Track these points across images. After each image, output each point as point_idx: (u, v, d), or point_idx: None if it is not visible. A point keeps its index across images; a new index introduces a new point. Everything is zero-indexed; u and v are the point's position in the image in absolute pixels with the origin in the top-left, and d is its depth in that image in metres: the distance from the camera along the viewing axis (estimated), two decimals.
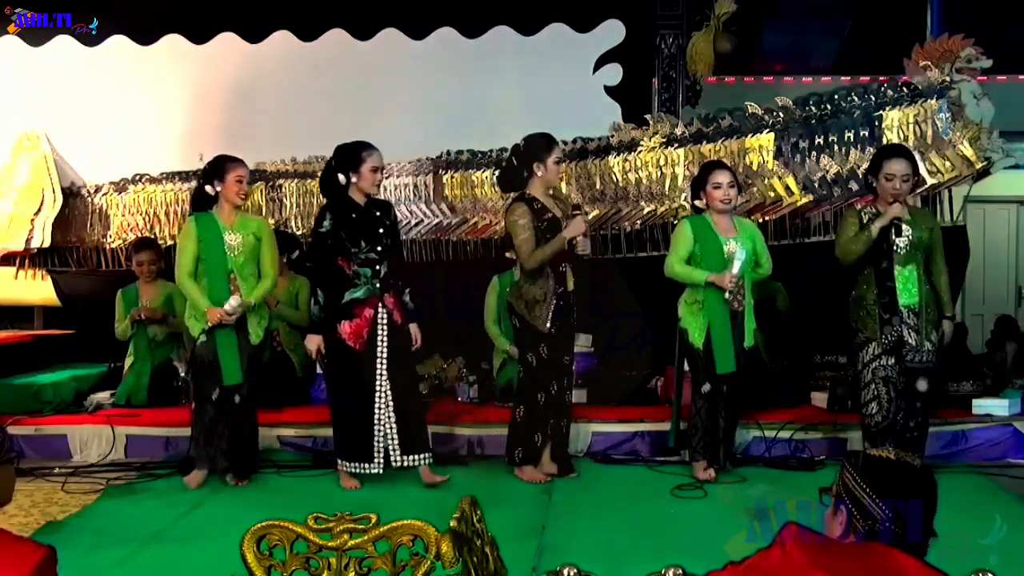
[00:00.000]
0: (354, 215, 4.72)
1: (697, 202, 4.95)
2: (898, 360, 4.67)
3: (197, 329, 4.81)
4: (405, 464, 4.74)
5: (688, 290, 4.89)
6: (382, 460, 4.71)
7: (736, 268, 4.70)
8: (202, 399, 4.84)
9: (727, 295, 4.74)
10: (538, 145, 4.89)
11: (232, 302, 4.73)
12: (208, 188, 4.89)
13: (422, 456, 4.79)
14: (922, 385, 4.69)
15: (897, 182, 4.61)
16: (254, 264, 4.93)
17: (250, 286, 4.87)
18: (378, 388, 4.70)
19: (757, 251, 4.93)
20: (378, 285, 4.72)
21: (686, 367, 5.04)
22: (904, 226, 4.63)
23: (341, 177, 4.75)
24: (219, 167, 4.91)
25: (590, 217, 6.53)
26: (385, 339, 4.73)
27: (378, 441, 4.70)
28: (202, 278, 4.82)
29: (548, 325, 4.79)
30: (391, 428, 4.71)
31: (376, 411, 4.69)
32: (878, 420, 4.69)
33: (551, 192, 5.07)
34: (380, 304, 4.72)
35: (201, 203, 4.95)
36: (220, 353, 4.78)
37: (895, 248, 4.65)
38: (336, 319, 4.68)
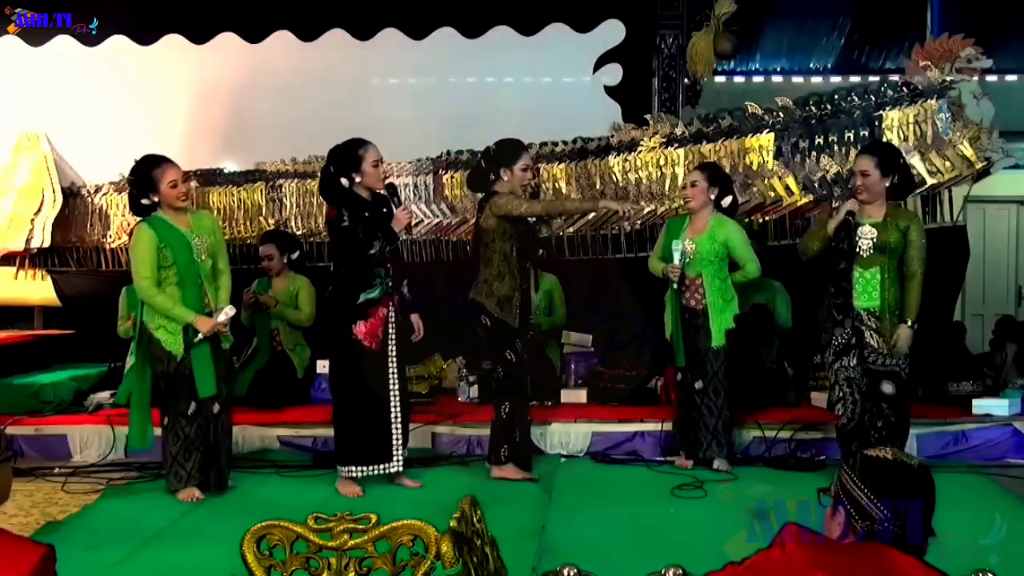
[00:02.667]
0: (366, 213, 4.63)
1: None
2: (860, 361, 4.62)
3: (176, 345, 4.47)
4: (401, 460, 4.75)
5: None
6: (400, 457, 4.72)
7: (676, 260, 4.94)
8: (177, 416, 4.52)
9: (678, 288, 5.00)
10: (506, 151, 4.93)
11: (229, 311, 4.53)
12: (144, 201, 4.51)
13: (405, 452, 4.80)
14: (887, 388, 4.57)
15: (857, 178, 4.59)
16: (211, 265, 4.62)
17: (212, 288, 4.59)
18: (392, 387, 4.70)
19: (736, 255, 5.04)
20: (390, 284, 4.69)
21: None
22: (868, 227, 4.56)
23: (344, 181, 4.62)
24: (147, 176, 4.51)
25: (590, 217, 6.55)
26: (394, 337, 4.72)
27: (396, 439, 4.69)
28: (168, 287, 4.48)
29: (517, 322, 4.86)
30: (399, 425, 4.73)
31: (392, 409, 4.69)
32: (843, 422, 4.68)
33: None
34: (391, 303, 4.71)
35: (138, 210, 4.58)
36: (196, 365, 4.48)
37: (856, 250, 4.58)
38: (350, 320, 4.60)
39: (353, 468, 4.65)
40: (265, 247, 6.36)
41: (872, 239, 4.56)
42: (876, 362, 4.58)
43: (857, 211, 4.57)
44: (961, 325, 6.99)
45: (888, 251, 4.55)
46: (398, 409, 4.71)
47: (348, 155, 4.66)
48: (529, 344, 5.01)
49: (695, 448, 5.05)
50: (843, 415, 4.68)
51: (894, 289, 4.56)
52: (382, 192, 4.73)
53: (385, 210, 4.71)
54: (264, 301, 6.14)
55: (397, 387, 4.71)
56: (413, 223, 6.40)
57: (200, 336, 4.48)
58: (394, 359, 4.71)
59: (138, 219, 4.63)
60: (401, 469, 4.74)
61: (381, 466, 4.68)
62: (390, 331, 4.70)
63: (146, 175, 4.53)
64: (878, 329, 4.56)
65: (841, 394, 4.68)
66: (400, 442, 4.71)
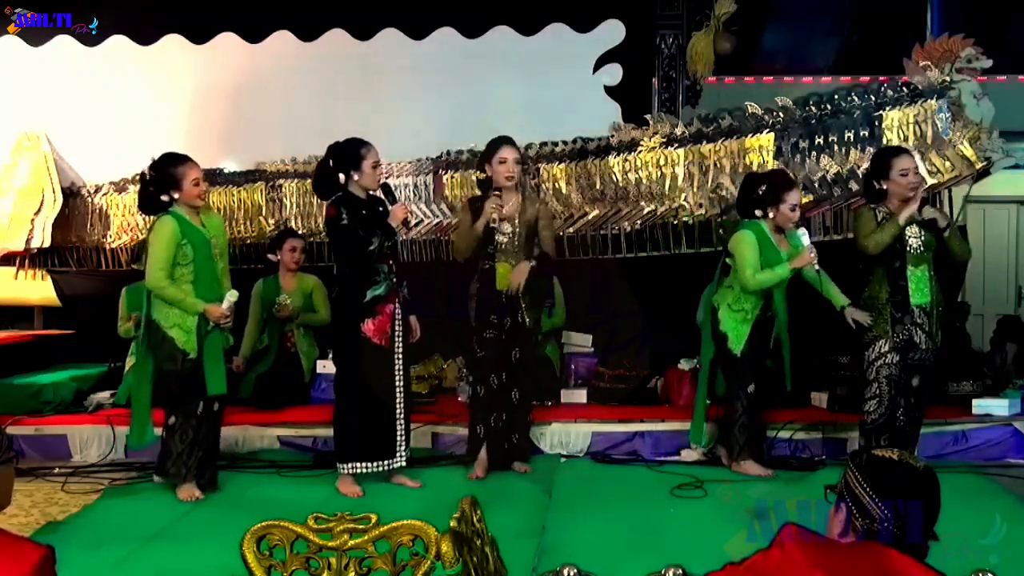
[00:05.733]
0: (364, 211, 4.64)
1: (758, 212, 4.89)
2: (903, 358, 4.71)
3: (191, 343, 4.49)
4: (405, 456, 4.76)
5: (733, 297, 4.93)
6: (404, 454, 4.74)
7: (806, 240, 4.82)
8: (187, 416, 4.53)
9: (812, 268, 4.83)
10: (486, 149, 5.00)
11: (230, 298, 4.54)
12: (163, 197, 4.51)
13: (408, 450, 4.82)
14: (915, 380, 4.76)
15: (912, 176, 4.67)
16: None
17: (220, 289, 4.61)
18: (398, 384, 4.72)
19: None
20: (394, 280, 4.70)
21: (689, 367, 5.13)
22: (916, 227, 4.68)
23: (341, 176, 4.65)
24: (170, 174, 4.52)
25: (590, 217, 6.54)
26: (400, 334, 4.75)
27: (400, 435, 4.72)
28: (183, 284, 4.49)
29: (474, 320, 4.91)
30: (403, 422, 4.75)
31: (397, 406, 4.71)
32: (875, 417, 4.74)
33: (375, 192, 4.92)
34: (397, 299, 4.72)
35: (152, 207, 4.60)
36: (208, 363, 4.51)
37: (908, 248, 4.68)
38: (359, 318, 4.61)
39: (357, 464, 4.66)
40: (296, 240, 6.38)
41: (921, 238, 4.70)
42: (914, 358, 4.71)
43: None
44: (965, 304, 7.00)
45: (932, 249, 4.74)
46: (403, 406, 4.74)
47: (349, 153, 4.68)
48: (503, 342, 4.93)
49: (759, 454, 5.03)
50: (875, 411, 4.72)
51: (936, 286, 4.75)
52: (377, 194, 4.76)
53: (381, 209, 4.73)
54: (287, 315, 6.15)
55: (403, 383, 4.75)
56: (413, 223, 6.42)
57: (212, 325, 4.50)
58: (400, 356, 4.74)
59: (154, 216, 4.62)
60: (404, 465, 4.75)
61: (385, 462, 4.69)
62: (397, 328, 4.72)
63: (169, 172, 4.54)
64: (924, 326, 4.70)
65: (878, 391, 4.71)
66: (404, 438, 4.73)
